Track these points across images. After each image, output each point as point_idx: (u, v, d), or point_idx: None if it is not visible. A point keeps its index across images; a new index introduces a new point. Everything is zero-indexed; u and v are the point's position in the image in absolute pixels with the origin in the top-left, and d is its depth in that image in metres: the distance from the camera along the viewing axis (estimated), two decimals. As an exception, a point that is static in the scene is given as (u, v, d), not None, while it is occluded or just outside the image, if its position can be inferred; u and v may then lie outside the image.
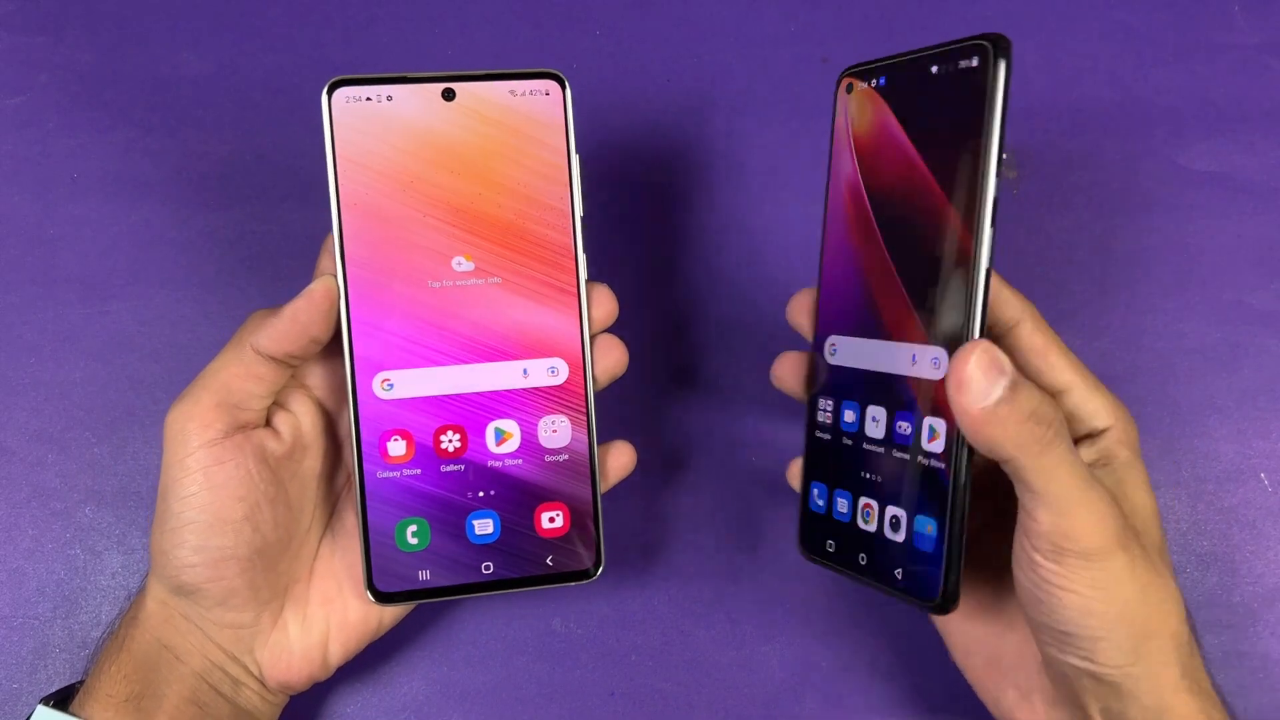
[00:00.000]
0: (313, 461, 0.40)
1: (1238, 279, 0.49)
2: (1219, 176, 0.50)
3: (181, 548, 0.37)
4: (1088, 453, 0.39)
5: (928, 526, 0.37)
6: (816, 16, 0.51)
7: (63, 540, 0.47)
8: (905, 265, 0.37)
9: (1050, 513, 0.34)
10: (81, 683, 0.40)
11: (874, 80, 0.38)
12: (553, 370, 0.40)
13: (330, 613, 0.41)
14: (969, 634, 0.40)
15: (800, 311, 0.42)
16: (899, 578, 0.37)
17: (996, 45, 0.34)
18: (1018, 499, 0.35)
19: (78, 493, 0.47)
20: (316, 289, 0.38)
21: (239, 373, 0.38)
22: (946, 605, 0.36)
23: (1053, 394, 0.38)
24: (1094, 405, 0.38)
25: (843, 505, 0.40)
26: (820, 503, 0.40)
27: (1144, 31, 0.51)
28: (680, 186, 0.50)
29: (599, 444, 0.41)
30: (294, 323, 0.38)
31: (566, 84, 0.39)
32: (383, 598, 0.40)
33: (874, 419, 0.38)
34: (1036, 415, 0.33)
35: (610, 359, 0.41)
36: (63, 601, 0.46)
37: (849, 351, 0.39)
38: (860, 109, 0.39)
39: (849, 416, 0.39)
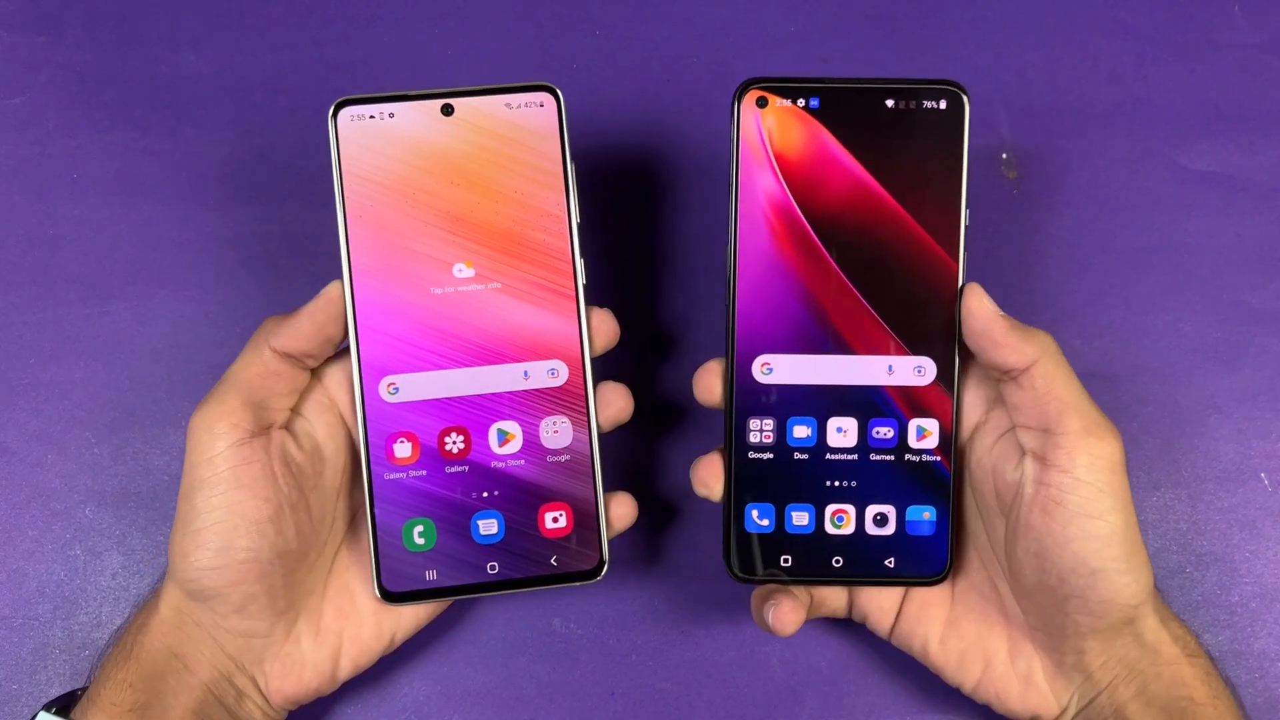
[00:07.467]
0: (333, 474, 0.41)
1: (1238, 279, 0.49)
2: (1219, 176, 0.50)
3: (203, 549, 0.37)
4: None
5: (924, 514, 0.40)
6: (816, 16, 0.51)
7: (63, 541, 0.47)
8: (870, 285, 0.39)
9: (1080, 418, 0.37)
10: (83, 689, 0.39)
11: (800, 100, 0.39)
12: (553, 372, 0.41)
13: (345, 626, 0.41)
14: (958, 649, 0.41)
15: (713, 390, 0.40)
16: (891, 566, 0.41)
17: (964, 90, 0.39)
18: (1039, 453, 0.37)
19: (78, 493, 0.47)
20: (331, 289, 0.39)
21: (259, 372, 0.38)
22: (947, 575, 0.41)
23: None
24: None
25: (801, 518, 0.41)
26: (764, 523, 0.41)
27: (1144, 31, 0.51)
28: (680, 187, 0.49)
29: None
30: (311, 321, 0.39)
31: (560, 95, 0.40)
32: (391, 597, 0.40)
33: (840, 429, 0.40)
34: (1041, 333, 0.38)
35: (614, 408, 0.41)
36: (63, 602, 0.46)
37: (792, 369, 0.40)
38: (784, 127, 0.39)
39: (801, 432, 0.41)
